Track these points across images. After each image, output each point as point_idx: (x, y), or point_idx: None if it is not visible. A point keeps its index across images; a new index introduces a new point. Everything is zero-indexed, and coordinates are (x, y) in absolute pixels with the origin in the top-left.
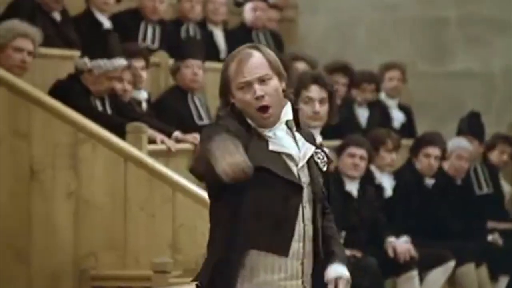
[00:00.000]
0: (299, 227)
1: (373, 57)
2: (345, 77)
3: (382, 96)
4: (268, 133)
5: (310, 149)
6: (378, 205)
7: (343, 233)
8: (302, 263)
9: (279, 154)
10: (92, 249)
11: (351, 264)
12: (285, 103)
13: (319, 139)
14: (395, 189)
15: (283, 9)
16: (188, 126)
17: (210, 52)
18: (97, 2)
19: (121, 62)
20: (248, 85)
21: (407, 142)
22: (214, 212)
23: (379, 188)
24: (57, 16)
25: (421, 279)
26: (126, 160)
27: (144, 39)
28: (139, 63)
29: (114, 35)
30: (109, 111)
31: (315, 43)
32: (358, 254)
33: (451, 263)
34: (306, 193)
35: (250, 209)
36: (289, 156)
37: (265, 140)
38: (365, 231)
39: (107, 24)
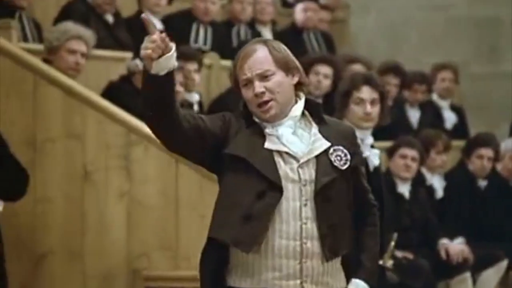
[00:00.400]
0: (294, 225)
1: (425, 58)
2: (397, 78)
3: (434, 97)
4: (269, 130)
5: (322, 146)
6: (429, 206)
7: (395, 235)
8: (300, 263)
9: (272, 152)
10: (144, 250)
11: (403, 266)
12: (299, 98)
13: (370, 140)
14: (446, 190)
15: (334, 10)
16: None
17: None
18: (148, 3)
19: None
20: (249, 82)
21: (459, 143)
22: None
23: (430, 190)
24: (109, 18)
25: (474, 281)
26: (177, 161)
27: (196, 40)
28: (192, 66)
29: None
30: None
31: (366, 43)
32: (410, 256)
33: (504, 263)
34: (307, 191)
35: (221, 199)
36: (287, 153)
37: (263, 135)
38: (417, 232)
39: (158, 25)
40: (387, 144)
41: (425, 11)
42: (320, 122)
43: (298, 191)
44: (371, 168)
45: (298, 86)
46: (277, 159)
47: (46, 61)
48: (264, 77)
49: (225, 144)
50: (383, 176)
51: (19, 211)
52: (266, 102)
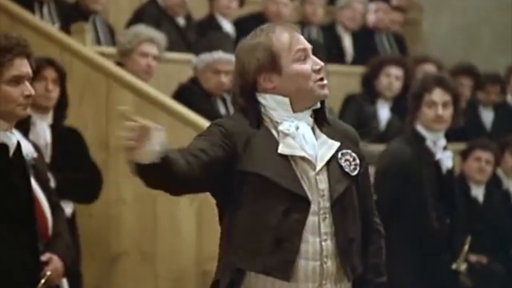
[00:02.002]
0: (313, 243)
1: (499, 59)
2: (470, 79)
3: (509, 98)
4: (285, 125)
5: (330, 149)
6: (505, 210)
7: (469, 238)
8: (320, 285)
9: (288, 157)
10: (215, 252)
11: (477, 270)
12: None
13: (442, 142)
14: None
15: (407, 11)
16: None
17: (336, 55)
18: (220, 6)
19: (221, 54)
20: (306, 55)
21: None
22: (221, 224)
23: (506, 194)
24: (181, 21)
25: None
26: None
27: None
28: None
29: (224, 35)
30: (231, 110)
31: (440, 44)
32: (484, 260)
33: None
34: (325, 203)
35: (245, 223)
36: (305, 159)
37: (274, 138)
38: (491, 237)
39: (229, 28)
40: (460, 146)
41: (499, 11)
42: (323, 121)
43: (316, 204)
44: (444, 170)
45: None
46: (294, 165)
47: (119, 64)
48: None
49: (235, 162)
50: (456, 179)
51: (93, 212)
52: (323, 79)
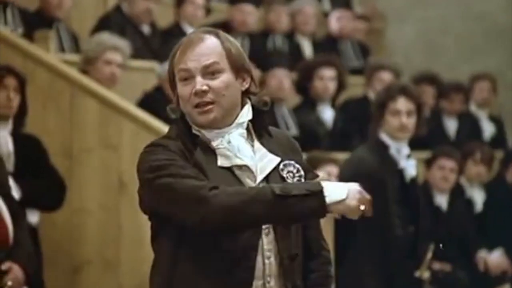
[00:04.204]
0: (258, 261)
1: (462, 68)
2: (432, 87)
3: (472, 107)
4: (216, 142)
5: (272, 161)
6: (468, 219)
7: (432, 246)
8: None
9: (230, 169)
10: None
11: (440, 278)
12: (244, 103)
13: (406, 150)
14: (486, 203)
15: (371, 20)
16: None
17: (297, 63)
18: (186, 14)
19: None
20: (190, 76)
21: (498, 155)
22: (155, 249)
23: (469, 202)
24: (146, 28)
25: None
26: None
27: None
28: None
29: None
30: None
31: (404, 53)
32: (448, 268)
33: None
34: None
35: (192, 247)
36: (245, 167)
37: (213, 153)
38: (455, 244)
39: None
40: (424, 154)
41: (462, 20)
42: (263, 133)
43: None
44: (408, 179)
45: (246, 94)
46: (238, 176)
47: (83, 72)
48: (209, 73)
49: None
50: (420, 188)
51: (56, 221)
52: (207, 103)
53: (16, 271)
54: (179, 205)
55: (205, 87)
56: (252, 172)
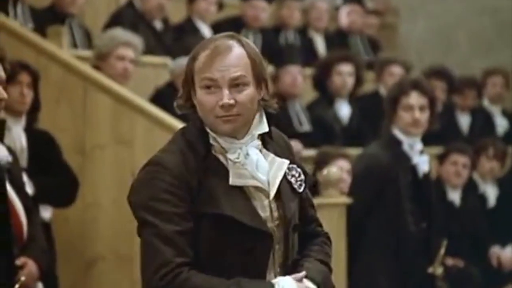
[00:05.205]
0: (269, 278)
1: (475, 63)
2: (443, 82)
3: (485, 102)
4: (234, 155)
5: (281, 167)
6: (481, 214)
7: (445, 242)
8: None
9: (241, 188)
10: None
11: (453, 274)
12: (259, 112)
13: (419, 146)
14: (498, 198)
15: (383, 15)
16: (288, 132)
17: (309, 58)
18: (198, 10)
19: None
20: (216, 86)
21: (511, 150)
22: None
23: (483, 198)
24: (158, 24)
25: None
26: None
27: None
28: None
29: (201, 38)
30: None
31: (416, 48)
32: (461, 263)
33: None
34: (279, 231)
35: (206, 272)
36: (257, 187)
37: (224, 168)
38: (468, 240)
39: (206, 32)
40: (437, 150)
41: (475, 15)
42: (266, 137)
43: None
44: (420, 174)
45: (259, 101)
46: (248, 194)
47: (96, 67)
48: (236, 85)
49: (192, 204)
50: (432, 183)
51: (69, 217)
52: (231, 116)
53: (30, 266)
54: (143, 262)
55: (232, 101)
56: (264, 190)
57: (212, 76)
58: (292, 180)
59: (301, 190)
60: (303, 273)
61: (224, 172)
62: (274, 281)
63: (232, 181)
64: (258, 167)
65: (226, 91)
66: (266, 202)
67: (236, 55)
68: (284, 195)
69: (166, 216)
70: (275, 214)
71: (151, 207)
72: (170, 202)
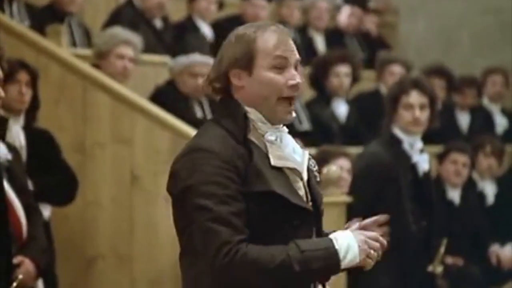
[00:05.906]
0: None
1: (477, 62)
2: (442, 80)
3: (485, 101)
4: (271, 137)
5: (305, 153)
6: (480, 212)
7: (445, 241)
8: None
9: (281, 169)
10: None
11: (453, 273)
12: None
13: (419, 145)
14: (497, 196)
15: (383, 14)
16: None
17: (309, 57)
18: (198, 8)
19: (198, 57)
20: (285, 66)
21: (510, 148)
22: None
23: (481, 195)
24: (158, 23)
25: None
26: None
27: None
28: None
29: (201, 37)
30: (208, 114)
31: (416, 48)
32: (460, 262)
33: None
34: (312, 213)
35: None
36: (293, 169)
37: (262, 151)
38: (468, 239)
39: (206, 30)
40: (437, 149)
41: (476, 14)
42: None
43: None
44: (421, 173)
45: None
46: (291, 177)
47: (95, 66)
48: (296, 68)
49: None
50: (432, 182)
51: (69, 215)
52: (294, 99)
53: (27, 265)
54: (202, 246)
55: (301, 81)
56: (298, 172)
57: (285, 55)
58: (313, 168)
59: (318, 179)
60: (357, 224)
61: (262, 154)
62: (331, 236)
63: (274, 162)
64: (295, 149)
65: (295, 71)
66: (300, 183)
67: (291, 40)
68: (311, 180)
69: (219, 199)
70: (309, 196)
71: (204, 191)
72: (221, 185)
